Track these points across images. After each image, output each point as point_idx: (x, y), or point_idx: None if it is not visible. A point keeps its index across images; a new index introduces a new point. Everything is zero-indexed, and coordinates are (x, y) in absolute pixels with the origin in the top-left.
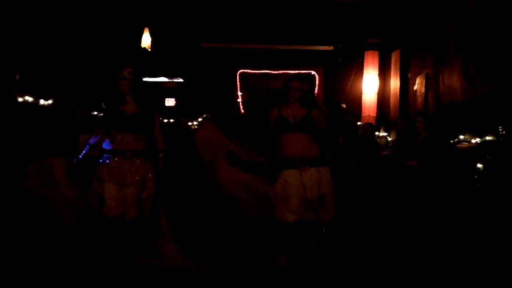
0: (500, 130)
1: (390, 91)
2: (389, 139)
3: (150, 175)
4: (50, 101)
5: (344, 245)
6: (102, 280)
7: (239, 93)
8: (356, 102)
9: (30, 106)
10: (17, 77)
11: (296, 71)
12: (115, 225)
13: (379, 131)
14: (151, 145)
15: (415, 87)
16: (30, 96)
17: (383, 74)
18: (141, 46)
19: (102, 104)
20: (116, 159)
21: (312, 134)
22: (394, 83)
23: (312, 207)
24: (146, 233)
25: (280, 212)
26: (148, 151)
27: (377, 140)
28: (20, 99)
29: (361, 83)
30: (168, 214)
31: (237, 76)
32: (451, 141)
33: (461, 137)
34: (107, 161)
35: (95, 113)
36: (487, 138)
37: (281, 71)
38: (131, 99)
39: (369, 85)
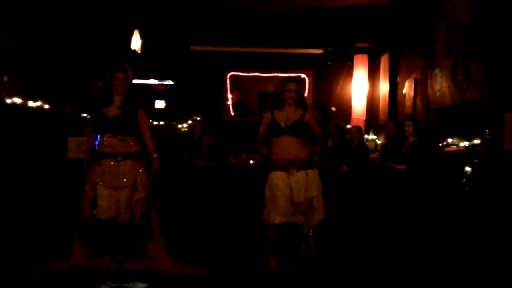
0: (487, 133)
1: (379, 95)
2: (378, 142)
3: (142, 178)
4: (39, 103)
5: (333, 248)
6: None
7: (229, 96)
8: (345, 106)
9: (19, 108)
10: (6, 78)
11: (286, 74)
12: (106, 228)
13: (368, 135)
14: (143, 147)
15: (404, 91)
16: (19, 97)
17: (373, 77)
18: (131, 48)
19: (89, 107)
20: (107, 161)
21: (303, 137)
22: (383, 87)
23: (300, 210)
24: (137, 236)
25: (267, 214)
26: (140, 153)
27: (366, 143)
28: (8, 101)
29: (350, 87)
30: (159, 217)
31: (227, 79)
32: (440, 145)
33: (450, 140)
34: (99, 163)
35: (84, 115)
36: (475, 141)
37: (271, 74)
38: (119, 101)
39: (358, 88)
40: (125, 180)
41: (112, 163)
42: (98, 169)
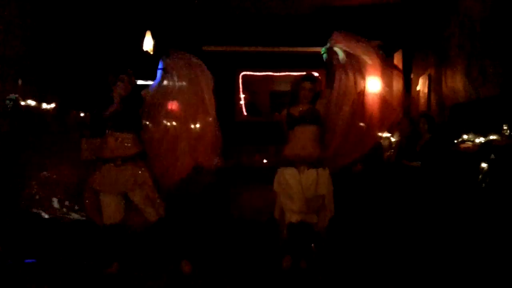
0: (504, 129)
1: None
2: (393, 140)
3: (145, 180)
4: (53, 105)
5: (346, 246)
6: None
7: (241, 96)
8: None
9: (33, 110)
10: (20, 82)
11: (298, 73)
12: (114, 233)
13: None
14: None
15: (418, 88)
16: (33, 100)
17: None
18: (143, 50)
19: (92, 110)
20: (107, 167)
21: (318, 124)
22: (397, 85)
23: (313, 209)
24: (148, 240)
25: (282, 212)
26: (140, 154)
27: (380, 141)
28: (22, 103)
29: None
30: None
31: (240, 79)
32: (455, 142)
33: (465, 137)
34: (99, 169)
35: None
36: (491, 137)
37: (283, 74)
38: (119, 102)
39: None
40: (126, 185)
41: (111, 168)
42: (98, 175)
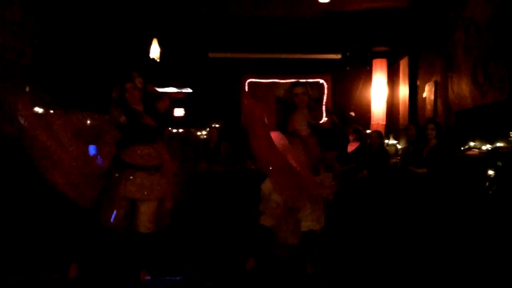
0: (511, 136)
1: (399, 99)
2: (399, 147)
3: (169, 189)
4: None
5: (352, 252)
6: None
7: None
8: (364, 110)
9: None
10: (27, 89)
11: (305, 80)
12: (131, 239)
13: (388, 139)
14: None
15: (424, 95)
16: (40, 107)
17: (392, 81)
18: (149, 57)
19: (123, 115)
20: (140, 174)
21: (319, 140)
22: (403, 91)
23: (315, 216)
24: (159, 248)
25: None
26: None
27: (387, 148)
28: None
29: (369, 91)
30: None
31: (246, 85)
32: (462, 148)
33: (472, 144)
34: (131, 177)
35: None
36: (498, 144)
37: (289, 80)
38: (141, 111)
39: (377, 93)
40: (156, 193)
41: (146, 176)
42: (130, 183)
